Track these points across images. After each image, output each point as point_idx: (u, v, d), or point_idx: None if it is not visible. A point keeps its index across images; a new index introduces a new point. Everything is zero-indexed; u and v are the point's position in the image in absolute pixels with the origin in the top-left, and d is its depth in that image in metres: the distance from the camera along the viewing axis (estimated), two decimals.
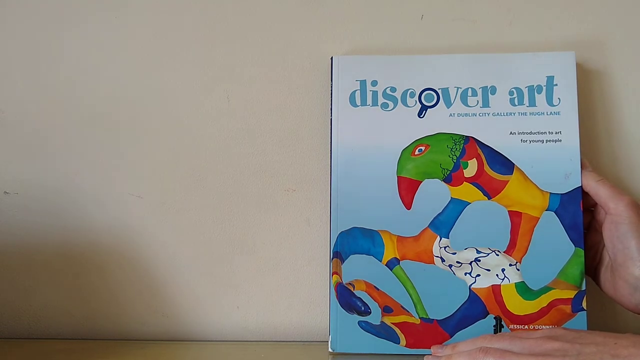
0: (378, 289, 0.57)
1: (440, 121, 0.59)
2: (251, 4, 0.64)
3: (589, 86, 0.62)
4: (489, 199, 0.57)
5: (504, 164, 0.57)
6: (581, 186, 0.56)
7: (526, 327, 0.56)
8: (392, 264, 0.57)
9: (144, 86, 0.64)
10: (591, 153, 0.61)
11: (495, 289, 0.57)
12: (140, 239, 0.64)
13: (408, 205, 0.58)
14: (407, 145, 0.58)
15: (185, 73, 0.64)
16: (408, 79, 0.59)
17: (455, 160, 0.58)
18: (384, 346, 0.57)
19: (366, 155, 0.58)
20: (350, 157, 0.59)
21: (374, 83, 0.60)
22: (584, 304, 0.56)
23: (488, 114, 0.58)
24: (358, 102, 0.59)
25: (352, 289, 0.57)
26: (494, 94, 0.59)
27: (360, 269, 0.58)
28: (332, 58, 0.61)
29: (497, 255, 0.57)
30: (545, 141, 0.57)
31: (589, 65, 0.62)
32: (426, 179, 0.58)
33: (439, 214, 0.57)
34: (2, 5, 0.65)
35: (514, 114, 0.58)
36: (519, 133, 0.58)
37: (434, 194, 0.58)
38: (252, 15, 0.64)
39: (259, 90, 0.63)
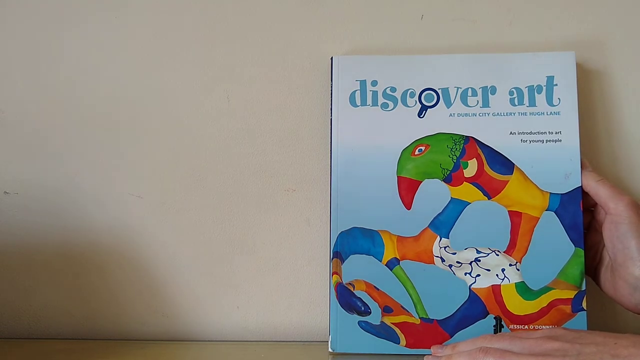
0: (378, 289, 0.57)
1: (440, 121, 0.59)
2: (251, 4, 0.64)
3: (589, 86, 0.62)
4: (489, 199, 0.57)
5: (504, 164, 0.57)
6: (581, 186, 0.56)
7: (526, 327, 0.56)
8: (392, 264, 0.57)
9: (144, 86, 0.64)
10: (591, 153, 0.61)
11: (495, 289, 0.57)
12: (140, 239, 0.64)
13: (408, 205, 0.58)
14: (407, 145, 0.58)
15: (185, 73, 0.64)
16: (408, 79, 0.59)
17: (455, 160, 0.58)
18: (384, 346, 0.57)
19: (366, 155, 0.58)
20: (350, 157, 0.59)
21: (374, 83, 0.60)
22: (584, 304, 0.56)
23: (488, 114, 0.58)
24: (358, 102, 0.59)
25: (352, 289, 0.57)
26: (494, 94, 0.59)
27: (360, 269, 0.58)
28: (332, 58, 0.61)
29: (497, 255, 0.57)
30: (545, 141, 0.57)
31: (589, 65, 0.62)
32: (426, 179, 0.58)
33: (439, 214, 0.57)
34: (2, 5, 0.65)
35: (514, 114, 0.58)
36: (519, 133, 0.58)
37: (434, 194, 0.58)
38: (252, 15, 0.64)
39: (259, 90, 0.63)
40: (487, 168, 0.57)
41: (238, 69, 0.63)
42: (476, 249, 0.57)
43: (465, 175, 0.57)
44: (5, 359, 0.57)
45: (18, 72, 0.65)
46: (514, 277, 0.56)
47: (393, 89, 0.59)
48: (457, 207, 0.57)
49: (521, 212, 0.57)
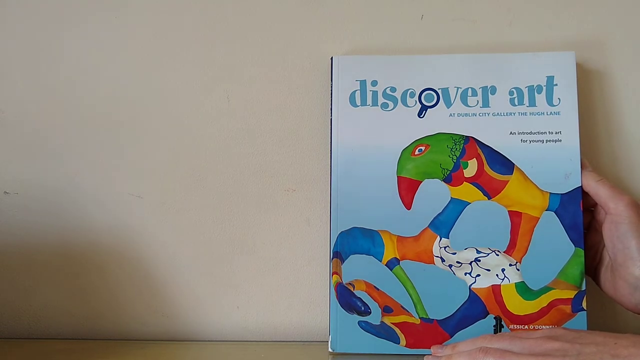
0: (378, 289, 0.57)
1: (440, 121, 0.59)
2: (251, 4, 0.64)
3: (589, 86, 0.62)
4: (489, 199, 0.57)
5: (504, 164, 0.57)
6: (581, 186, 0.56)
7: (526, 327, 0.56)
8: (392, 264, 0.57)
9: (144, 86, 0.64)
10: (591, 153, 0.61)
11: (495, 289, 0.57)
12: (140, 239, 0.64)
13: (408, 205, 0.58)
14: (407, 145, 0.58)
15: (185, 73, 0.64)
16: (408, 79, 0.59)
17: (455, 160, 0.58)
18: (384, 346, 0.57)
19: (366, 155, 0.58)
20: (350, 157, 0.59)
21: (374, 83, 0.60)
22: (584, 304, 0.56)
23: (488, 114, 0.58)
24: (358, 102, 0.59)
25: (352, 289, 0.57)
26: (494, 94, 0.59)
27: (360, 269, 0.58)
28: (332, 58, 0.61)
29: (497, 255, 0.57)
30: (545, 141, 0.57)
31: (589, 65, 0.62)
32: (426, 179, 0.58)
33: (439, 214, 0.57)
34: (2, 5, 0.65)
35: (514, 114, 0.58)
36: (519, 133, 0.58)
37: (434, 194, 0.58)
38: (252, 15, 0.64)
39: (259, 90, 0.63)
40: (487, 168, 0.57)
41: (238, 69, 0.63)
42: (476, 249, 0.57)
43: (465, 175, 0.57)
44: (5, 359, 0.57)
45: (18, 72, 0.65)
46: (514, 277, 0.56)
47: (393, 89, 0.59)
48: (457, 207, 0.57)
49: (521, 212, 0.57)
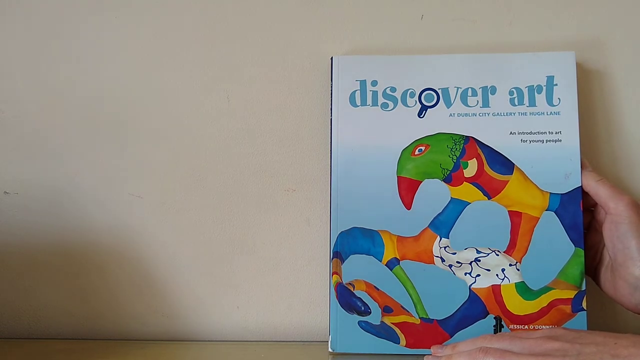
0: (378, 289, 0.57)
1: (440, 121, 0.59)
2: (251, 4, 0.64)
3: (589, 86, 0.62)
4: (489, 199, 0.57)
5: (504, 164, 0.57)
6: (581, 186, 0.56)
7: (526, 327, 0.56)
8: (392, 264, 0.57)
9: (144, 86, 0.64)
10: (591, 153, 0.61)
11: (495, 289, 0.57)
12: (140, 239, 0.64)
13: (408, 205, 0.58)
14: (407, 145, 0.58)
15: (185, 73, 0.64)
16: (408, 79, 0.59)
17: (455, 160, 0.58)
18: (384, 346, 0.57)
19: (366, 155, 0.58)
20: (350, 157, 0.59)
21: (374, 83, 0.60)
22: (584, 304, 0.56)
23: (488, 114, 0.58)
24: (358, 102, 0.59)
25: (352, 289, 0.57)
26: (494, 94, 0.59)
27: (360, 269, 0.58)
28: (332, 58, 0.61)
29: (497, 255, 0.57)
30: (545, 141, 0.57)
31: (589, 65, 0.62)
32: (426, 179, 0.58)
33: (439, 214, 0.57)
34: (2, 5, 0.65)
35: (514, 114, 0.58)
36: (519, 133, 0.58)
37: (434, 194, 0.58)
38: (252, 15, 0.64)
39: (259, 90, 0.63)
40: (487, 168, 0.57)
41: (238, 69, 0.63)
42: (476, 249, 0.57)
43: (465, 175, 0.57)
44: (5, 359, 0.57)
45: (18, 72, 0.65)
46: (514, 277, 0.56)
47: (393, 89, 0.59)
48: (457, 207, 0.57)
49: (521, 212, 0.57)
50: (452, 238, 0.57)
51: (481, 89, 0.59)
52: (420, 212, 0.58)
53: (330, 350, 0.57)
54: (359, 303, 0.57)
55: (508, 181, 0.57)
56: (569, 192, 0.57)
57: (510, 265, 0.57)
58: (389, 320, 0.57)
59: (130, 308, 0.64)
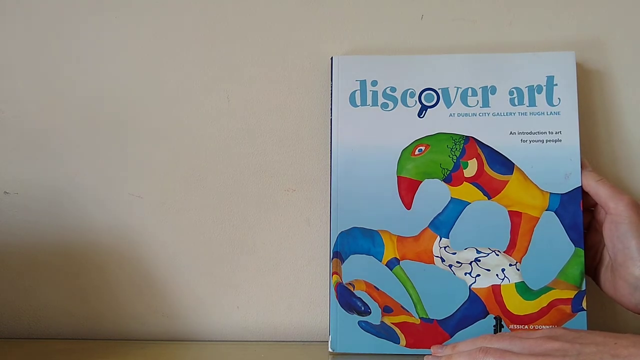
0: (378, 289, 0.57)
1: (440, 121, 0.59)
2: (251, 4, 0.64)
3: (589, 86, 0.62)
4: (489, 199, 0.57)
5: (504, 164, 0.57)
6: (581, 186, 0.56)
7: (526, 327, 0.56)
8: (392, 264, 0.57)
9: (144, 86, 0.64)
10: (591, 153, 0.61)
11: (495, 289, 0.57)
12: (140, 239, 0.64)
13: (408, 205, 0.58)
14: (407, 145, 0.58)
15: (185, 73, 0.64)
16: (408, 79, 0.59)
17: (455, 160, 0.58)
18: (384, 346, 0.57)
19: (366, 155, 0.58)
20: (350, 157, 0.59)
21: (374, 83, 0.60)
22: (584, 304, 0.56)
23: (488, 114, 0.58)
24: (358, 102, 0.59)
25: (352, 289, 0.57)
26: (494, 94, 0.59)
27: (360, 269, 0.58)
28: (332, 58, 0.61)
29: (497, 255, 0.57)
30: (545, 141, 0.57)
31: (589, 65, 0.62)
32: (426, 179, 0.58)
33: (439, 214, 0.57)
34: (2, 5, 0.65)
35: (514, 114, 0.58)
36: (519, 133, 0.58)
37: (434, 194, 0.58)
38: (252, 15, 0.64)
39: (259, 90, 0.63)
40: (487, 168, 0.57)
41: (238, 69, 0.63)
42: (476, 249, 0.57)
43: (465, 175, 0.57)
44: (5, 359, 0.57)
45: (18, 72, 0.65)
46: (514, 277, 0.56)
47: (393, 89, 0.59)
48: (457, 207, 0.57)
49: (521, 212, 0.57)
50: (452, 238, 0.57)
51: (481, 89, 0.59)
52: (420, 212, 0.58)
53: (330, 350, 0.57)
54: (359, 303, 0.57)
55: (508, 181, 0.57)
56: (569, 192, 0.57)
57: (510, 265, 0.57)
58: (389, 320, 0.57)
59: (130, 308, 0.64)
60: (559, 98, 0.58)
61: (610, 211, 0.53)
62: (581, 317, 0.56)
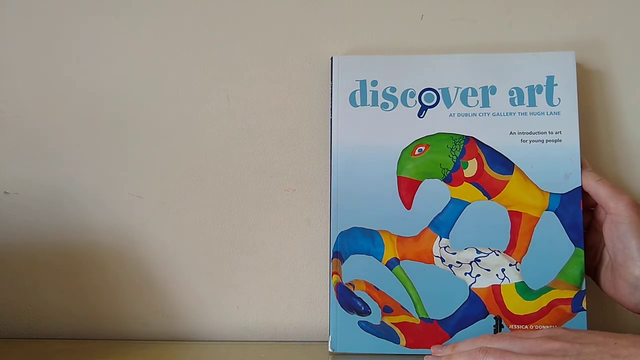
0: (378, 289, 0.57)
1: (440, 121, 0.59)
2: (251, 4, 0.64)
3: (589, 86, 0.62)
4: (489, 199, 0.57)
5: (504, 164, 0.57)
6: (581, 186, 0.56)
7: (526, 327, 0.56)
8: (392, 264, 0.57)
9: (144, 86, 0.64)
10: (591, 153, 0.61)
11: (495, 289, 0.57)
12: (140, 239, 0.64)
13: (408, 205, 0.58)
14: (407, 145, 0.58)
15: (185, 73, 0.64)
16: (408, 79, 0.59)
17: (455, 160, 0.58)
18: (384, 346, 0.57)
19: (366, 155, 0.58)
20: (350, 157, 0.59)
21: (374, 83, 0.60)
22: (584, 304, 0.56)
23: (488, 114, 0.58)
24: (358, 102, 0.59)
25: (352, 289, 0.57)
26: (494, 94, 0.59)
27: (360, 269, 0.58)
28: (332, 58, 0.61)
29: (497, 255, 0.57)
30: (545, 141, 0.57)
31: (589, 65, 0.62)
32: (426, 179, 0.58)
33: (439, 214, 0.57)
34: (2, 5, 0.65)
35: (514, 114, 0.58)
36: (519, 133, 0.58)
37: (434, 194, 0.58)
38: (252, 15, 0.64)
39: (259, 90, 0.63)
40: (487, 168, 0.57)
41: (238, 69, 0.63)
42: (476, 249, 0.57)
43: (465, 175, 0.57)
44: (5, 359, 0.57)
45: (18, 72, 0.65)
46: (514, 277, 0.56)
47: (393, 89, 0.59)
48: (457, 207, 0.57)
49: (521, 212, 0.57)
50: (452, 238, 0.57)
51: (481, 89, 0.59)
52: (420, 212, 0.58)
53: (330, 350, 0.57)
54: (359, 303, 0.57)
55: (508, 181, 0.57)
56: (569, 192, 0.57)
57: (510, 265, 0.57)
58: (389, 320, 0.57)
59: (130, 308, 0.64)
60: (559, 98, 0.58)
61: (610, 211, 0.53)
62: (581, 317, 0.56)
